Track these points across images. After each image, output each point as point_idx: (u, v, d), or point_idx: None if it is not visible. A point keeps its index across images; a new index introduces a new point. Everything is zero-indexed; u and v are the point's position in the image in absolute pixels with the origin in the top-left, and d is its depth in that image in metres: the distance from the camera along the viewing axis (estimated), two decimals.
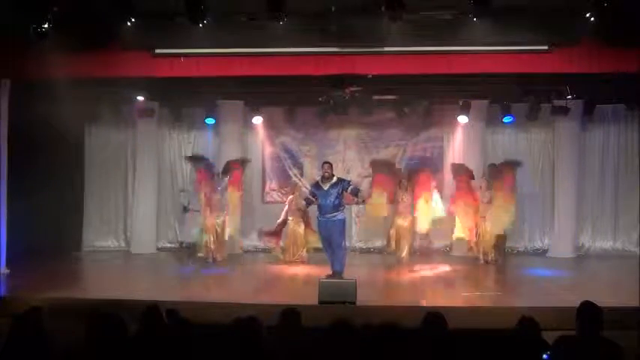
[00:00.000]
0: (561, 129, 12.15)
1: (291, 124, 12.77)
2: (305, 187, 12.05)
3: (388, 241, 11.65)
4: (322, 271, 9.31)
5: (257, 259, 11.89)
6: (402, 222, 11.32)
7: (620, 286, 8.71)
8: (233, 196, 11.58)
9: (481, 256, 11.16)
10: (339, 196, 9.11)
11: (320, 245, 9.66)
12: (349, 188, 9.17)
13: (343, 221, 9.23)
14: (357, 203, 10.21)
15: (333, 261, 9.24)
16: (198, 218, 11.57)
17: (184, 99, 12.23)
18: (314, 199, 9.24)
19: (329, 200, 9.07)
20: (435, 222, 11.43)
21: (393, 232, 11.44)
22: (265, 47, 8.88)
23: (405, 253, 11.24)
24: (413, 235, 11.47)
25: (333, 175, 9.25)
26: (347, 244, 9.79)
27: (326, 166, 9.36)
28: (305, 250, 11.36)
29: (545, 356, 4.08)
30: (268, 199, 12.94)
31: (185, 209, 12.15)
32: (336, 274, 8.97)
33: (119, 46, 8.73)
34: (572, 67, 8.99)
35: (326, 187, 9.14)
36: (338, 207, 9.10)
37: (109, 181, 13.09)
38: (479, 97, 11.95)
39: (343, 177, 9.78)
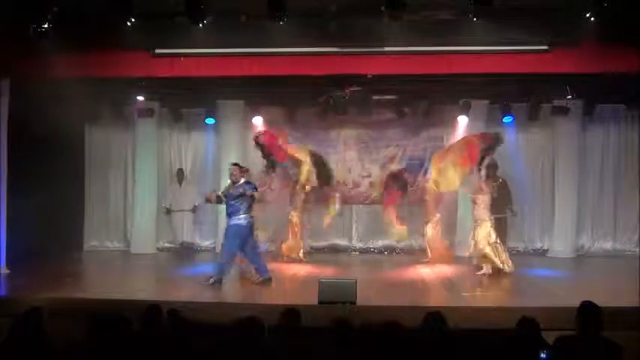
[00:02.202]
0: (561, 129, 12.13)
1: (291, 124, 12.75)
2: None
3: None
4: (322, 271, 9.32)
5: None
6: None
7: (620, 286, 8.70)
8: None
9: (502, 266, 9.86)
10: (243, 200, 8.79)
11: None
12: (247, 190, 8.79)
13: (238, 227, 8.82)
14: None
15: (256, 267, 9.06)
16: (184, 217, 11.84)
17: (184, 99, 12.23)
18: (223, 200, 8.98)
19: (235, 205, 8.82)
20: None
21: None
22: (265, 47, 8.88)
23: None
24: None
25: (242, 177, 8.98)
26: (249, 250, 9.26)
27: (232, 168, 9.02)
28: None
29: (543, 355, 4.08)
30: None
31: (168, 211, 12.18)
32: (214, 281, 8.76)
33: (119, 46, 8.73)
34: (572, 67, 9.00)
35: (232, 190, 8.92)
36: (240, 211, 8.80)
37: (109, 181, 13.10)
38: (479, 97, 11.94)
39: (249, 181, 9.21)
